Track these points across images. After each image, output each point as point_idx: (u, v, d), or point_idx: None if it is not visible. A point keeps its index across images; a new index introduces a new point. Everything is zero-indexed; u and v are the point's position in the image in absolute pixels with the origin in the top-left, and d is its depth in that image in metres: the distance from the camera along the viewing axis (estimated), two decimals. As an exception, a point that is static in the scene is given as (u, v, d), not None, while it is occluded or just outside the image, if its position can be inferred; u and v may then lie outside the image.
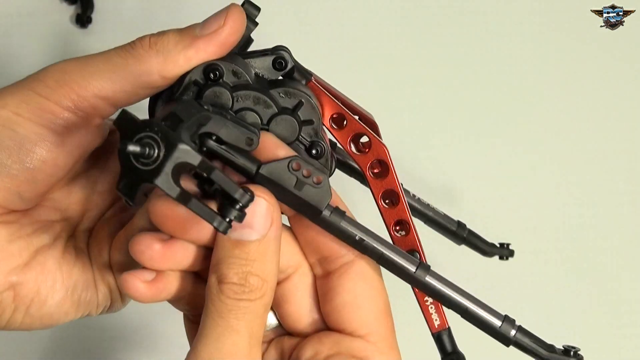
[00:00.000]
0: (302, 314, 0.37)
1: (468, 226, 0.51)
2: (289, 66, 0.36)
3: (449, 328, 0.41)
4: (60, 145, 0.34)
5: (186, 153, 0.29)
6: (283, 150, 0.34)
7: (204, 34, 0.34)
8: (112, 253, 0.38)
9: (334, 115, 0.38)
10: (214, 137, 0.32)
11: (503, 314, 0.36)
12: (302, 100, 0.36)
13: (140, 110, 0.38)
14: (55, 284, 0.36)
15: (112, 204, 0.39)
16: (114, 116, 0.39)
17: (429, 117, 0.65)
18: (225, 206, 0.30)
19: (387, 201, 0.39)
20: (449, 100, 0.66)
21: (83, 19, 0.62)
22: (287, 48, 0.37)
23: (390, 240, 0.37)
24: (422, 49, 0.66)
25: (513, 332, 0.35)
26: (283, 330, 0.38)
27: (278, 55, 0.36)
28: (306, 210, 0.34)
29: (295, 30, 0.65)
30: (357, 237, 0.34)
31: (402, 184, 0.39)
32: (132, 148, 0.28)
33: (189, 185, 0.34)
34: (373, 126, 0.41)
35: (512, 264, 0.56)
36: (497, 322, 0.35)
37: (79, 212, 0.39)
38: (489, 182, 0.66)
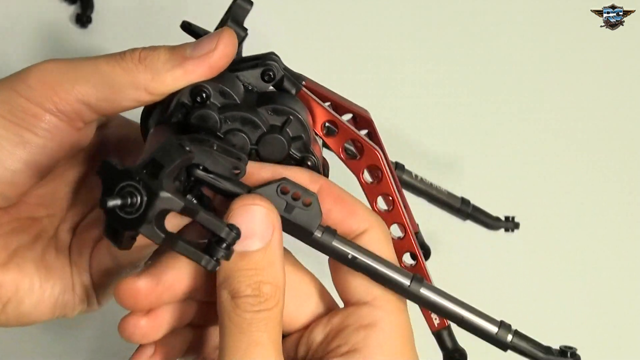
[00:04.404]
0: (297, 314, 0.36)
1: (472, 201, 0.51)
2: (278, 76, 0.36)
3: (449, 326, 0.41)
4: (41, 147, 0.34)
5: (168, 201, 0.29)
6: (267, 171, 0.34)
7: (194, 56, 0.34)
8: (92, 262, 0.37)
9: (326, 123, 0.38)
10: (201, 167, 0.32)
11: (499, 319, 0.36)
12: (291, 117, 0.36)
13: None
14: (33, 286, 0.36)
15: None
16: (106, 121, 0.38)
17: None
18: (213, 244, 0.30)
19: (383, 206, 0.39)
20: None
21: (83, 19, 0.62)
22: (276, 56, 0.37)
23: None
24: (421, 37, 0.66)
25: (510, 338, 0.36)
26: None
27: (266, 67, 0.36)
28: (297, 232, 0.34)
29: (291, 27, 0.64)
30: (349, 256, 0.34)
31: (396, 186, 0.39)
32: (113, 203, 0.29)
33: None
34: (368, 122, 0.40)
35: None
36: (494, 329, 0.36)
37: (62, 209, 0.38)
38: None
